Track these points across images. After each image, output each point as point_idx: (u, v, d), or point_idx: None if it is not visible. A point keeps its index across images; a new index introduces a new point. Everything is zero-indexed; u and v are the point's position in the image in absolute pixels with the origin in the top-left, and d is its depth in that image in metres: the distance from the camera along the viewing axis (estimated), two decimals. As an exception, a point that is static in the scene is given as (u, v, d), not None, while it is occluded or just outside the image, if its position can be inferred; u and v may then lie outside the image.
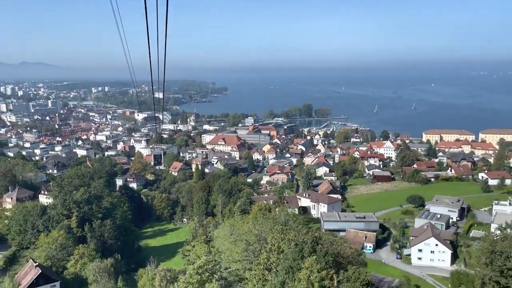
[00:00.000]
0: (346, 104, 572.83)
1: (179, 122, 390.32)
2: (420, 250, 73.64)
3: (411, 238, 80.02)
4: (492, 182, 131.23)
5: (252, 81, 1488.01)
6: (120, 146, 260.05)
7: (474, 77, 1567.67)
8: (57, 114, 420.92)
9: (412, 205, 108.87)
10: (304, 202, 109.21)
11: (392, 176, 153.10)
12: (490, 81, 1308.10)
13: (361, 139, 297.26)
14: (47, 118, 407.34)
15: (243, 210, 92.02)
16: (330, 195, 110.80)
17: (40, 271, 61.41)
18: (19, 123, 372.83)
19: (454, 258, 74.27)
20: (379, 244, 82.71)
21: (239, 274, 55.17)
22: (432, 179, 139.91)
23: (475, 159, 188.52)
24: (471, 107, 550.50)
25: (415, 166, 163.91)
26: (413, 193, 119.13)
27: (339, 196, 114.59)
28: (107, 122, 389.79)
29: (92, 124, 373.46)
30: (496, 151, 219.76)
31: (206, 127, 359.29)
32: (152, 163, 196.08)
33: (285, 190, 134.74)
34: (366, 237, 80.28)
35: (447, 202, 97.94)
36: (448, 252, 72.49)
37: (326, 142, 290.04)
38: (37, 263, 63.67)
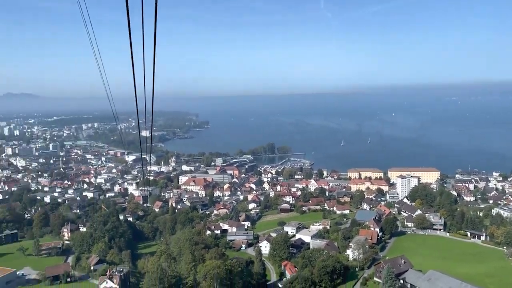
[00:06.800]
0: (304, 140, 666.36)
1: (162, 163, 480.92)
2: (261, 246, 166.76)
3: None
4: (338, 211, 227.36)
5: (239, 110, 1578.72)
6: (116, 188, 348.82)
7: (442, 103, 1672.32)
8: (60, 159, 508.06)
9: (280, 226, 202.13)
10: (225, 226, 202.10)
11: (291, 208, 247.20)
12: (452, 109, 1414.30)
13: (302, 176, 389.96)
14: (51, 161, 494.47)
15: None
16: (240, 222, 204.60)
17: (99, 258, 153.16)
18: (30, 167, 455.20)
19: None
20: (250, 245, 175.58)
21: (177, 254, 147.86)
22: (307, 211, 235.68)
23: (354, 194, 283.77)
24: (411, 141, 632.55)
25: (310, 201, 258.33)
26: (295, 220, 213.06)
27: (245, 223, 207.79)
28: (103, 165, 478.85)
29: (90, 166, 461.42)
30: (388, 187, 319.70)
31: (184, 167, 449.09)
32: (142, 202, 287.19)
33: (221, 219, 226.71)
34: (243, 242, 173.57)
35: (293, 224, 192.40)
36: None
37: (275, 180, 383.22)
38: (97, 255, 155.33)
